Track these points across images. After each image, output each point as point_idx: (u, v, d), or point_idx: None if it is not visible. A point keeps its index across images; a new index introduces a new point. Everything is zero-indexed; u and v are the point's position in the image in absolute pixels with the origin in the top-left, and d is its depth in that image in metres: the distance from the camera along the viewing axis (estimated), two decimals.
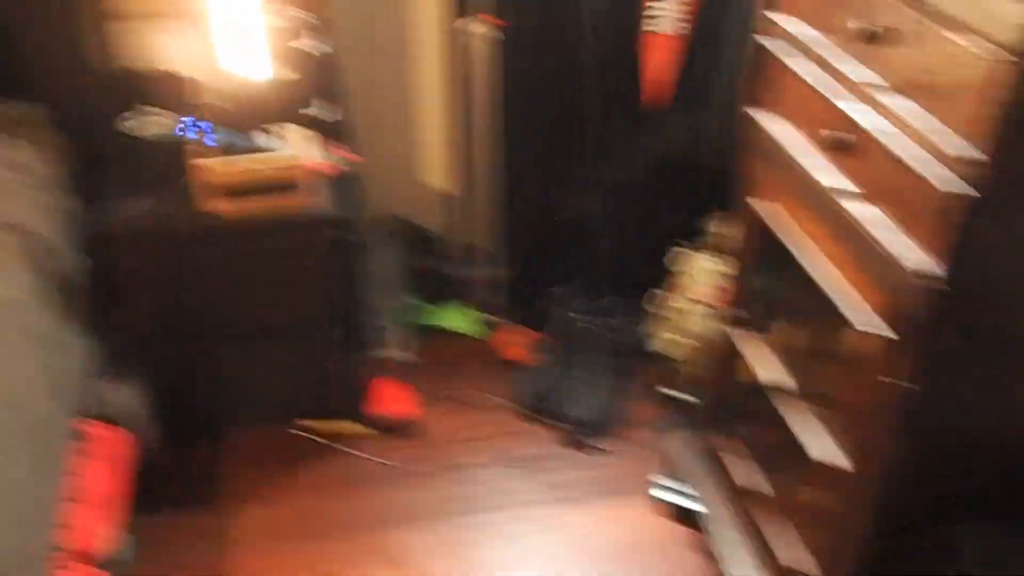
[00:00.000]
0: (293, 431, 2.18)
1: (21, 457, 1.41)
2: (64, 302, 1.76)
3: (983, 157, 0.97)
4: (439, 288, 2.53)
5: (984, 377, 1.17)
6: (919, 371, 1.15)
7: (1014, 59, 0.91)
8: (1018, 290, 1.09)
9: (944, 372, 1.15)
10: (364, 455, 2.14)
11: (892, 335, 1.17)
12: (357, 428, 2.19)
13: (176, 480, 2.05)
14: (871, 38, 1.16)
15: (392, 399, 2.23)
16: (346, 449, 2.15)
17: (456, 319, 2.54)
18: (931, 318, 1.09)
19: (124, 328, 2.07)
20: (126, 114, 1.92)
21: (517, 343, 2.42)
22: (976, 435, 1.23)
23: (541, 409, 2.25)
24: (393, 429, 2.20)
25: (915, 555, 1.34)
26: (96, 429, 1.75)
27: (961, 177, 1.01)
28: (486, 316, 2.55)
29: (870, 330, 1.21)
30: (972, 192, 0.99)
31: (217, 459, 2.12)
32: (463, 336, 2.52)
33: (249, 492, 2.04)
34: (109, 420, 1.85)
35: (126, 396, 1.97)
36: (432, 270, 2.51)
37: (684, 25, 2.06)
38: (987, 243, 1.03)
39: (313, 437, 2.17)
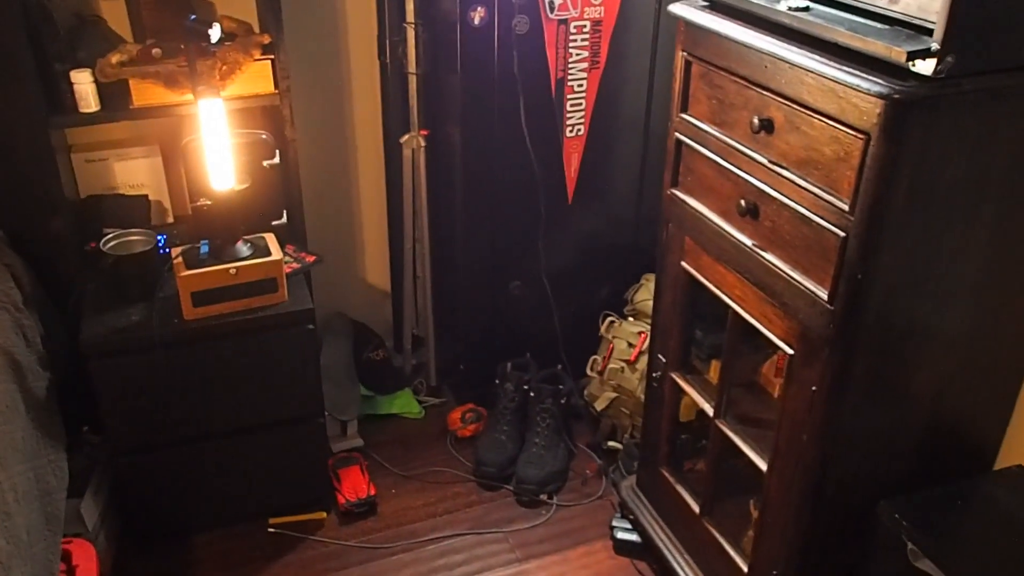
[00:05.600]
0: (268, 529, 2.28)
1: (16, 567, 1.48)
2: (40, 418, 1.82)
3: (846, 207, 1.32)
4: (389, 378, 2.72)
5: (871, 377, 1.49)
6: (822, 378, 1.46)
7: (865, 138, 1.27)
8: (890, 306, 1.43)
9: (840, 377, 1.46)
10: (337, 541, 2.26)
11: (799, 352, 1.49)
12: (326, 517, 2.32)
13: None
14: (760, 128, 1.51)
15: (356, 485, 2.36)
16: (318, 538, 2.27)
17: (408, 404, 2.72)
18: (828, 335, 1.42)
19: (100, 440, 2.14)
20: (105, 235, 2.05)
21: (470, 420, 2.62)
22: (874, 426, 1.55)
23: (499, 476, 2.45)
24: (361, 513, 2.33)
25: (858, 535, 1.61)
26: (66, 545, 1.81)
27: (837, 226, 1.35)
28: (438, 399, 2.75)
29: (785, 350, 1.53)
30: (844, 234, 1.33)
31: (189, 564, 2.19)
32: (416, 419, 2.70)
33: None
34: (74, 534, 1.91)
35: (91, 508, 2.02)
36: (380, 361, 2.70)
37: (581, 127, 2.43)
38: (860, 275, 1.36)
39: (285, 532, 2.27)
